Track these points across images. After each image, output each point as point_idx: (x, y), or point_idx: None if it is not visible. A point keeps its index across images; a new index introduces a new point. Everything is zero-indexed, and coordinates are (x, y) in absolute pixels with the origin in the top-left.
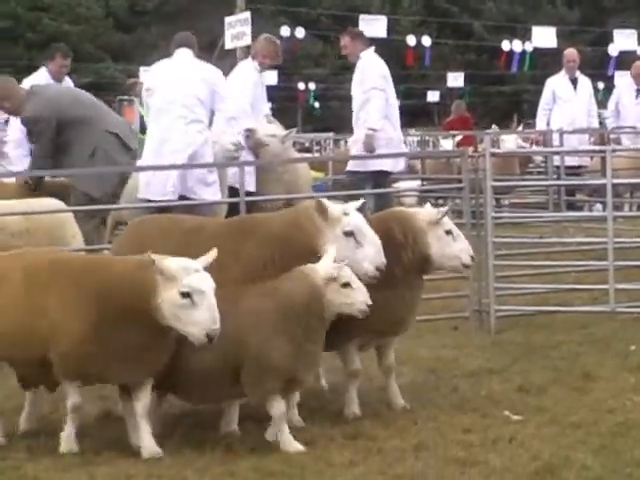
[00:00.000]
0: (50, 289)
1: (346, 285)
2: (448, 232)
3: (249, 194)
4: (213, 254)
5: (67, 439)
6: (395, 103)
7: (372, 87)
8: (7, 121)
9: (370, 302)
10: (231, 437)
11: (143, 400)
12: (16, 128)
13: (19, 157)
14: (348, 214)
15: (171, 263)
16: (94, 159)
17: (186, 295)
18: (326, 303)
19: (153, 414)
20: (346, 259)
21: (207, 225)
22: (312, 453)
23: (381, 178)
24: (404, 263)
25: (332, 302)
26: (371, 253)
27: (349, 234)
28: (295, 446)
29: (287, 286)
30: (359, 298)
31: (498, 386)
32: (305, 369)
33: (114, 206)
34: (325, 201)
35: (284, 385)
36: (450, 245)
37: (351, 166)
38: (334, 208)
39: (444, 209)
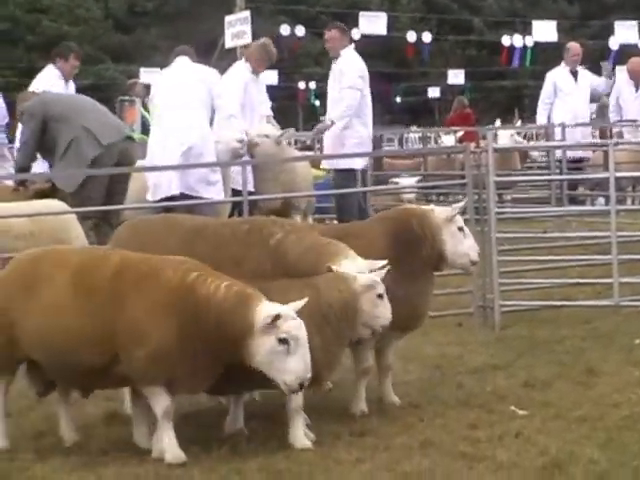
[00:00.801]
0: (140, 297)
1: (380, 296)
2: (460, 229)
3: (249, 194)
4: (304, 301)
5: (171, 446)
6: (370, 103)
7: (349, 86)
8: (8, 124)
9: (391, 320)
10: (237, 436)
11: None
12: None
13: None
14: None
15: (270, 307)
16: (67, 153)
17: (284, 342)
18: (359, 311)
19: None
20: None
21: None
22: (319, 451)
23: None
24: (423, 258)
25: (364, 311)
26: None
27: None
28: (304, 443)
29: (326, 286)
30: (386, 314)
31: (503, 381)
32: (327, 368)
33: (119, 207)
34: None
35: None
36: (462, 242)
37: (329, 164)
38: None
39: (458, 205)
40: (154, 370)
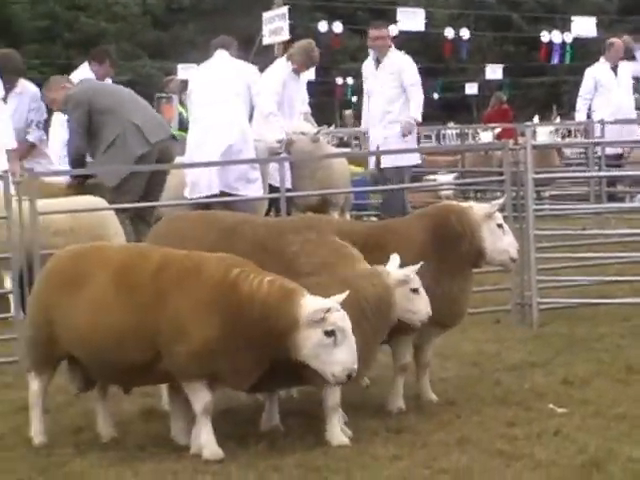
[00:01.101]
0: (182, 294)
1: (415, 291)
2: (500, 226)
3: (287, 190)
4: (345, 293)
5: (209, 443)
6: None
7: (413, 83)
8: (46, 120)
9: (431, 313)
10: (274, 432)
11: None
12: (59, 127)
13: (63, 157)
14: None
15: (315, 301)
16: (112, 147)
17: (331, 334)
18: (394, 306)
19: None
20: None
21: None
22: (356, 447)
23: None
24: (462, 255)
25: (399, 306)
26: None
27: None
28: (341, 440)
29: (361, 281)
30: (423, 308)
31: (542, 379)
32: (364, 364)
33: (157, 203)
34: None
35: None
36: (501, 239)
37: (391, 161)
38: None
39: (497, 202)
40: (196, 366)
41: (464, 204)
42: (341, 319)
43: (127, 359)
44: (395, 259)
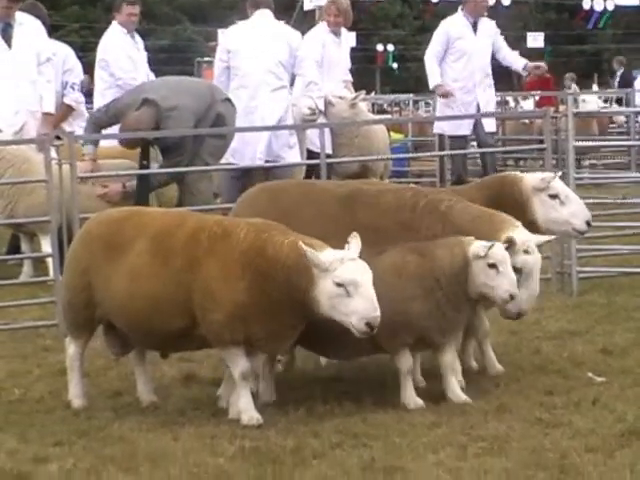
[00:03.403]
0: (213, 260)
1: (492, 266)
2: (553, 196)
3: (327, 156)
4: (358, 241)
5: (247, 408)
6: None
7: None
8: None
9: (516, 294)
10: (313, 399)
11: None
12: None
13: None
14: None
15: (325, 254)
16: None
17: (339, 285)
18: (469, 276)
19: (268, 376)
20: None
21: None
22: (395, 414)
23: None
24: (523, 225)
25: (475, 279)
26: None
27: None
28: (416, 402)
29: (440, 251)
30: (503, 285)
31: (581, 348)
32: (438, 331)
33: (195, 168)
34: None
35: (415, 342)
36: (557, 210)
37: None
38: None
39: (550, 174)
40: (230, 332)
41: (519, 174)
42: (350, 271)
43: (164, 326)
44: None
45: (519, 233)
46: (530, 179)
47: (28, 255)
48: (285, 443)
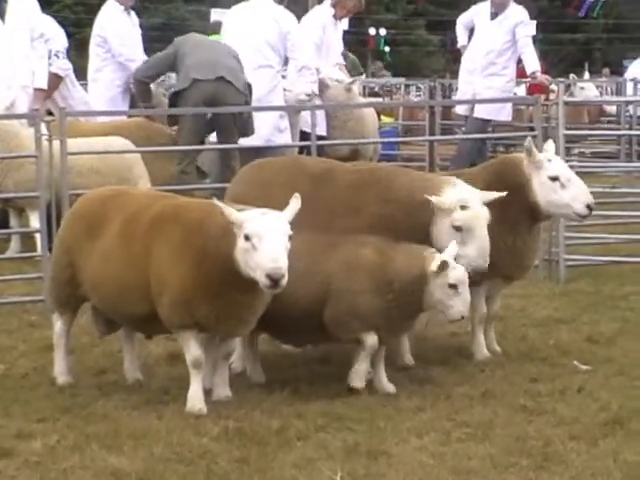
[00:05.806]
0: (162, 242)
1: (452, 286)
2: (554, 179)
3: (320, 138)
4: (296, 204)
5: (193, 397)
6: None
7: (528, 34)
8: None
9: (467, 315)
10: (298, 380)
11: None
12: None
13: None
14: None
15: (241, 213)
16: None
17: (247, 238)
18: (426, 291)
19: (253, 357)
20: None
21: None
22: (380, 398)
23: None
24: (522, 207)
25: (433, 294)
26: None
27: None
28: (360, 384)
29: (400, 256)
30: (458, 306)
31: (566, 336)
32: (386, 330)
33: (191, 147)
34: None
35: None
36: (557, 192)
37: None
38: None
39: (546, 155)
40: (177, 316)
41: (519, 155)
42: (257, 224)
43: (132, 310)
44: (452, 249)
45: (457, 190)
46: (529, 160)
47: (16, 230)
48: (269, 424)
